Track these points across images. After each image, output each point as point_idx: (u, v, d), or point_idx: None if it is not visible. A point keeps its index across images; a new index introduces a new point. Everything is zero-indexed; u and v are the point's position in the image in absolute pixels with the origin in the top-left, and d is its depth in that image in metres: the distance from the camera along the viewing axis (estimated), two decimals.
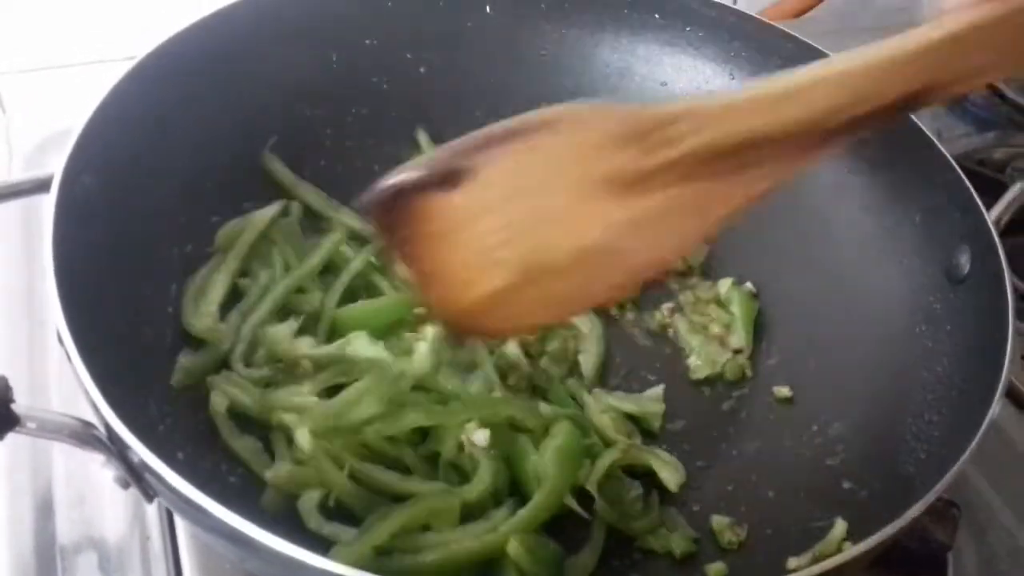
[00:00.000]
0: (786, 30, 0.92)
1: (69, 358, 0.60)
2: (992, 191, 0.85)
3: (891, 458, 0.75)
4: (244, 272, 0.83)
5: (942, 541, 0.75)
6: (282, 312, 0.81)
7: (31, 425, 0.59)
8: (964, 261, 0.78)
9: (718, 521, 0.76)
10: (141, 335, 0.73)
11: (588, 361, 0.86)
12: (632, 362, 0.88)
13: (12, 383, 0.59)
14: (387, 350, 0.78)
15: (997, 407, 0.66)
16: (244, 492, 0.71)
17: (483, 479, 0.73)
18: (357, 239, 0.89)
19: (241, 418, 0.75)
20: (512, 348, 0.83)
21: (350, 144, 0.94)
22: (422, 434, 0.76)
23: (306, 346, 0.79)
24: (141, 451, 0.57)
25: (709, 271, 0.95)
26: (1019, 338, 0.70)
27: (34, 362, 0.85)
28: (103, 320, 0.67)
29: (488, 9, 0.96)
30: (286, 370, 0.78)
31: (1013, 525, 0.83)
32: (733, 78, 0.94)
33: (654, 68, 0.96)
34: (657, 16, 0.95)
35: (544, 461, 0.74)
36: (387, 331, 0.80)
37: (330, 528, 0.69)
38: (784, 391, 0.85)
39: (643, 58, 0.97)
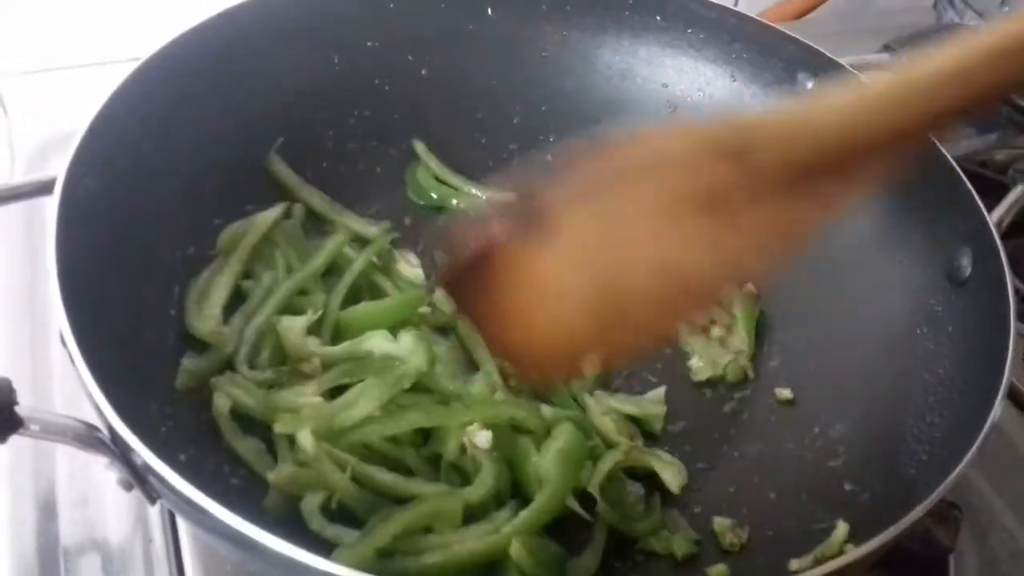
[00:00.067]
0: (787, 32, 0.93)
1: (72, 360, 0.60)
2: (993, 193, 0.85)
3: (893, 460, 0.75)
4: (247, 274, 0.83)
5: (944, 543, 0.75)
6: (286, 314, 0.81)
7: (35, 427, 0.60)
8: (966, 263, 0.78)
9: (719, 523, 0.76)
10: (143, 337, 0.73)
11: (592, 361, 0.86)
12: (633, 364, 0.88)
13: (15, 385, 0.59)
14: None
15: (999, 409, 0.66)
16: (247, 494, 0.71)
17: (485, 481, 0.73)
18: (359, 241, 0.89)
19: (244, 419, 0.75)
20: None
21: (352, 146, 0.94)
22: (424, 435, 0.76)
23: (314, 345, 0.79)
24: (144, 453, 0.57)
25: None
26: (1021, 340, 0.70)
27: (37, 364, 0.85)
28: (106, 322, 0.67)
29: (490, 11, 0.96)
30: (291, 371, 0.78)
31: (1015, 527, 0.83)
32: (734, 80, 0.94)
33: (655, 70, 0.97)
34: (658, 18, 0.95)
35: (546, 463, 0.74)
36: (391, 332, 0.80)
37: (333, 530, 0.69)
38: (785, 393, 0.85)
39: (644, 60, 0.97)
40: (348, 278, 0.84)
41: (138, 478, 0.62)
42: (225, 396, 0.74)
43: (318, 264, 0.85)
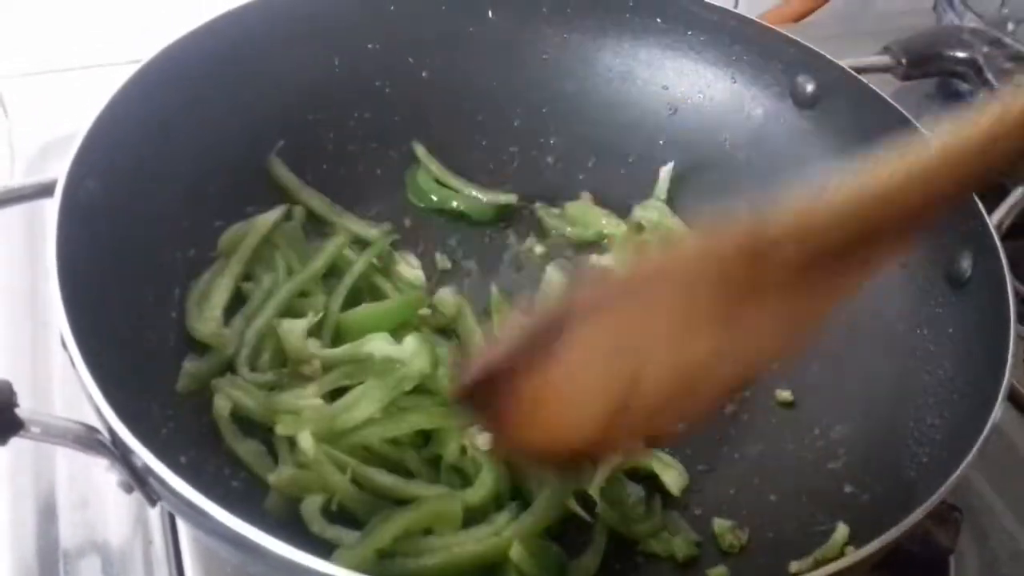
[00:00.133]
0: (787, 34, 0.93)
1: (72, 362, 0.60)
2: (993, 194, 0.85)
3: (893, 462, 0.75)
4: (247, 276, 0.83)
5: (944, 545, 0.75)
6: (286, 316, 0.81)
7: (35, 429, 0.60)
8: (966, 265, 0.78)
9: (720, 524, 0.76)
10: (144, 339, 0.73)
11: None
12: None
13: (15, 387, 0.59)
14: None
15: (999, 411, 0.66)
16: (247, 496, 0.71)
17: (485, 483, 0.73)
18: (360, 243, 0.89)
19: (244, 422, 0.75)
20: None
21: (352, 148, 0.94)
22: (424, 437, 0.76)
23: (314, 347, 0.79)
24: (144, 455, 0.57)
25: None
26: (1021, 342, 0.70)
27: (37, 366, 0.85)
28: (106, 324, 0.67)
29: (490, 14, 0.96)
30: (292, 373, 0.78)
31: (1015, 529, 0.83)
32: (735, 82, 0.94)
33: (656, 72, 0.97)
34: (659, 20, 0.95)
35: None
36: (392, 334, 0.80)
37: (333, 532, 0.69)
38: (786, 395, 0.85)
39: (645, 62, 0.97)
40: (348, 280, 0.84)
41: (138, 480, 0.62)
42: (225, 398, 0.74)
43: (318, 266, 0.85)
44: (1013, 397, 0.90)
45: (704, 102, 0.96)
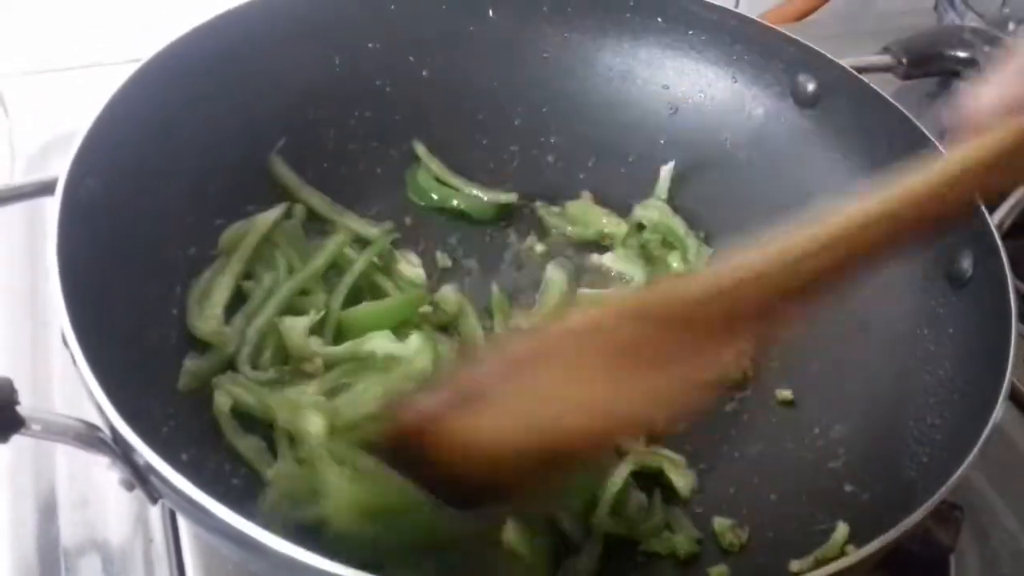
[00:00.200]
0: (788, 34, 0.93)
1: (74, 360, 0.60)
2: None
3: (893, 461, 0.75)
4: (248, 275, 0.83)
5: (945, 544, 0.75)
6: (287, 314, 0.81)
7: (36, 427, 0.60)
8: (967, 264, 0.78)
9: (720, 523, 0.76)
10: (145, 337, 0.73)
11: None
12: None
13: (16, 385, 0.59)
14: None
15: (1000, 410, 0.66)
16: (248, 494, 0.71)
17: None
18: (360, 241, 0.89)
19: (244, 418, 0.75)
20: None
21: (353, 147, 0.94)
22: None
23: (316, 345, 0.79)
24: (146, 453, 0.57)
25: None
26: (1022, 341, 0.70)
27: (38, 364, 0.85)
28: (107, 322, 0.67)
29: (490, 13, 0.96)
30: (293, 371, 0.78)
31: (1016, 528, 0.83)
32: (736, 81, 0.94)
33: (656, 72, 0.97)
34: (659, 20, 0.95)
35: None
36: (393, 332, 0.80)
37: None
38: (786, 394, 0.85)
39: (645, 62, 0.97)
40: (349, 279, 0.85)
41: (139, 478, 0.62)
42: (226, 395, 0.74)
43: (319, 264, 0.85)
44: (1014, 396, 0.90)
45: (705, 101, 0.96)
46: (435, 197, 0.95)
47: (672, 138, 0.97)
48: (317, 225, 0.90)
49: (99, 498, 0.77)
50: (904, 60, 0.99)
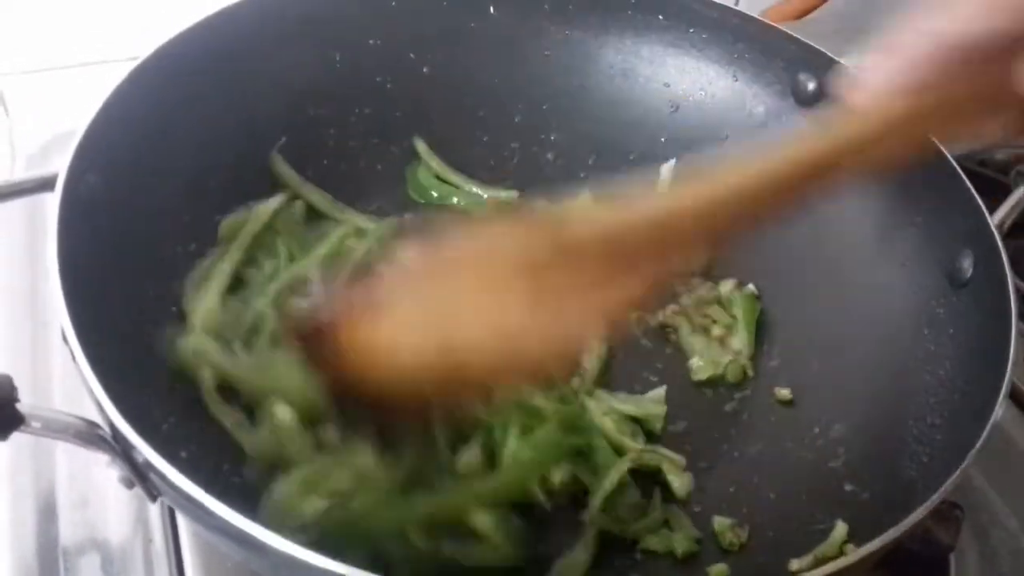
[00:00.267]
0: (789, 32, 0.93)
1: (73, 356, 0.60)
2: (994, 193, 0.85)
3: (893, 461, 0.74)
4: (249, 262, 0.83)
5: (945, 543, 0.75)
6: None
7: (36, 424, 0.59)
8: (967, 264, 0.78)
9: (719, 522, 0.76)
10: (145, 333, 0.73)
11: (591, 360, 0.86)
12: (634, 363, 0.88)
13: (16, 382, 0.59)
14: None
15: (1000, 410, 0.66)
16: (247, 492, 0.71)
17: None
18: (361, 234, 0.89)
19: (230, 391, 0.75)
20: None
21: (353, 144, 0.94)
22: None
23: None
24: (145, 450, 0.57)
25: (711, 273, 0.95)
26: (1022, 341, 0.70)
27: (37, 361, 0.85)
28: (107, 318, 0.67)
29: (491, 9, 0.96)
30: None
31: (1016, 527, 0.83)
32: (736, 79, 0.94)
33: (658, 69, 0.97)
34: (661, 17, 0.95)
35: (516, 447, 0.75)
36: None
37: None
38: (785, 393, 0.85)
39: (647, 59, 0.97)
40: (350, 267, 0.84)
41: (139, 475, 0.62)
42: (211, 369, 0.75)
43: (321, 252, 0.85)
44: (1014, 396, 0.90)
45: (706, 100, 0.96)
46: (435, 194, 0.95)
47: (673, 136, 0.97)
48: (317, 223, 0.90)
49: (99, 497, 0.77)
50: None
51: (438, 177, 0.96)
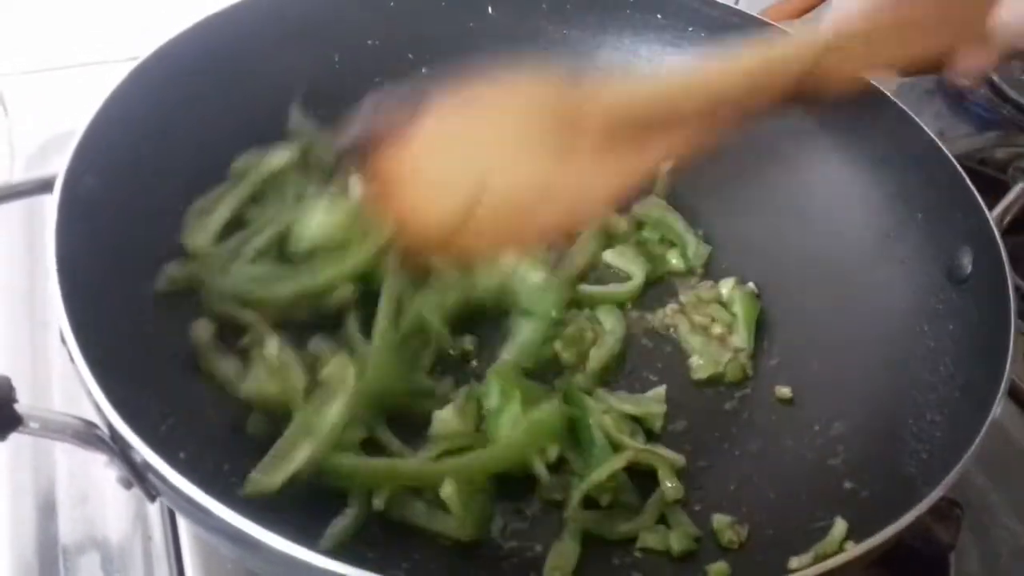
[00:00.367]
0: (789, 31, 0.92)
1: (71, 357, 0.60)
2: (994, 190, 0.85)
3: (892, 458, 0.74)
4: (255, 199, 0.84)
5: (945, 540, 0.75)
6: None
7: (34, 425, 0.59)
8: (966, 261, 0.78)
9: (719, 520, 0.76)
10: (143, 334, 0.73)
11: (598, 355, 0.86)
12: (634, 362, 0.88)
13: (14, 383, 0.59)
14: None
15: (999, 407, 0.66)
16: None
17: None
18: None
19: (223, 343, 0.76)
20: None
21: None
22: None
23: None
24: (143, 451, 0.57)
25: (711, 271, 0.95)
26: (1021, 338, 0.70)
27: (36, 362, 0.85)
28: (105, 319, 0.67)
29: (490, 10, 0.96)
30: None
31: (1015, 524, 0.83)
32: None
33: (657, 69, 0.96)
34: (659, 16, 0.95)
35: (509, 423, 0.75)
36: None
37: None
38: (785, 391, 0.85)
39: (645, 59, 0.97)
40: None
41: (137, 476, 0.62)
42: (206, 323, 0.76)
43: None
44: (1013, 393, 0.90)
45: None
46: None
47: None
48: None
49: (98, 496, 0.78)
50: None
51: None
